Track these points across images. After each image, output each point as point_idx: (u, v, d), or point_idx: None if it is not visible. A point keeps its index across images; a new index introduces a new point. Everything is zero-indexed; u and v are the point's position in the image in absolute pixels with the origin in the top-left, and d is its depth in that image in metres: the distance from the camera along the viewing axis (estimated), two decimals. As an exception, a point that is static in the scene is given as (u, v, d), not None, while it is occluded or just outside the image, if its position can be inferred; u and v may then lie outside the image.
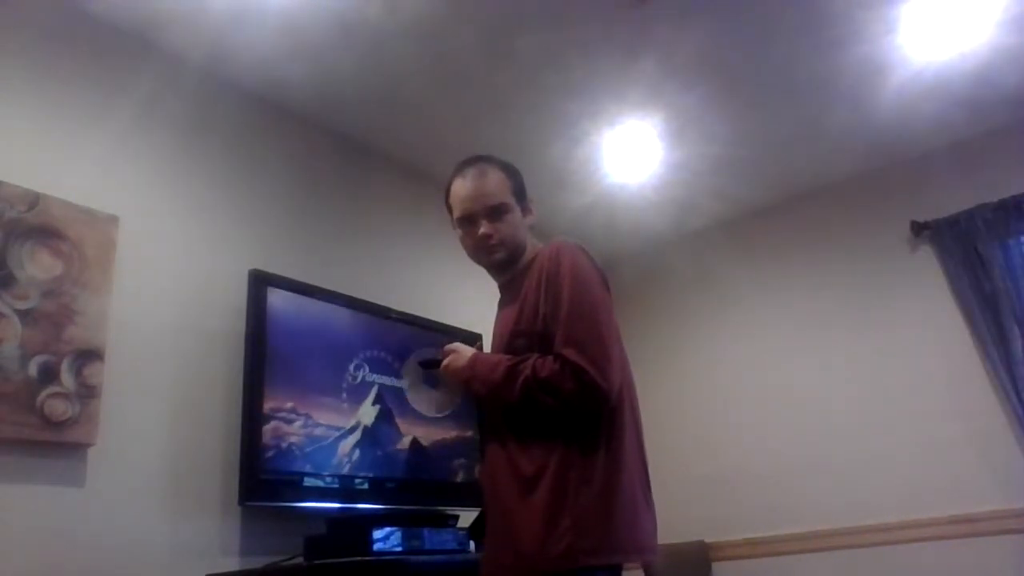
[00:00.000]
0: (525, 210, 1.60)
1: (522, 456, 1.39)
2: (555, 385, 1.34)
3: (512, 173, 1.60)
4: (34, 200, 1.88)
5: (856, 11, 2.47)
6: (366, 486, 2.28)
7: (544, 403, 1.35)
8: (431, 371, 1.56)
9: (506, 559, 1.36)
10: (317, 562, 1.87)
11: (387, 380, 2.46)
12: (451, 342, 1.58)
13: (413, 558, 1.85)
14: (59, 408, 1.79)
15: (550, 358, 1.36)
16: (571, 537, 1.28)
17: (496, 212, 1.53)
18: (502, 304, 1.61)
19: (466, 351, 1.52)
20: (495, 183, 1.55)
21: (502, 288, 1.63)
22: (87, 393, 1.85)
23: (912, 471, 3.10)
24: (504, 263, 1.57)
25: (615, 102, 2.86)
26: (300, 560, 1.97)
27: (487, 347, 1.62)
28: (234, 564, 2.07)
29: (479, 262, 1.60)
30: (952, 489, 3.00)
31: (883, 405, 3.24)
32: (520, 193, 1.59)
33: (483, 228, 1.53)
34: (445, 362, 1.53)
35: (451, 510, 2.29)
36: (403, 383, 2.51)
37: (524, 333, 1.45)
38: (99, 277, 1.96)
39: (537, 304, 1.44)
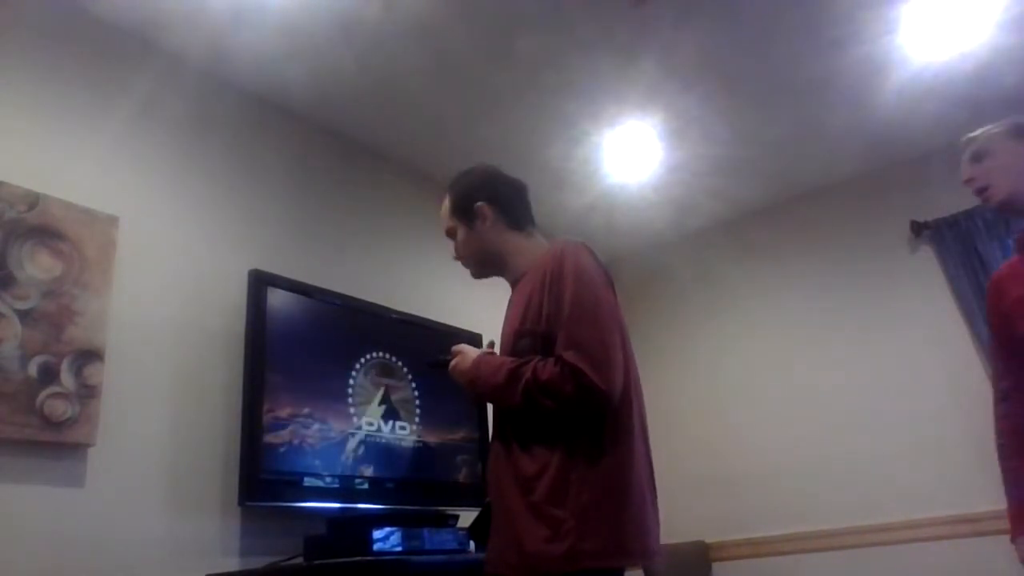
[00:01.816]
0: (475, 218, 1.62)
1: (524, 456, 1.39)
2: (555, 388, 1.33)
3: (454, 191, 1.68)
4: (34, 200, 1.88)
5: (856, 11, 2.47)
6: (366, 486, 2.28)
7: (545, 406, 1.35)
8: (440, 372, 1.57)
9: (510, 558, 1.36)
10: (317, 562, 1.87)
11: (387, 381, 2.46)
12: (453, 343, 1.59)
13: (413, 558, 1.85)
14: (59, 408, 1.79)
15: (551, 360, 1.36)
16: (573, 539, 1.28)
17: (449, 236, 1.69)
18: (510, 304, 1.62)
19: (471, 353, 1.53)
20: (444, 210, 1.69)
21: (512, 288, 1.64)
22: (87, 393, 1.85)
23: (912, 471, 3.10)
24: (479, 274, 1.68)
25: (615, 102, 2.86)
26: (300, 560, 1.97)
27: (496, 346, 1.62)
28: (234, 564, 2.07)
29: None
30: (952, 489, 3.00)
31: (883, 405, 3.24)
32: (461, 209, 1.65)
33: (451, 250, 1.70)
34: (453, 363, 1.54)
35: (451, 510, 2.29)
36: (403, 383, 2.51)
37: (528, 333, 1.44)
38: (99, 277, 1.96)
39: (541, 304, 1.43)
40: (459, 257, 1.67)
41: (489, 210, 1.61)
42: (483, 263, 1.64)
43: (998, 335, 1.67)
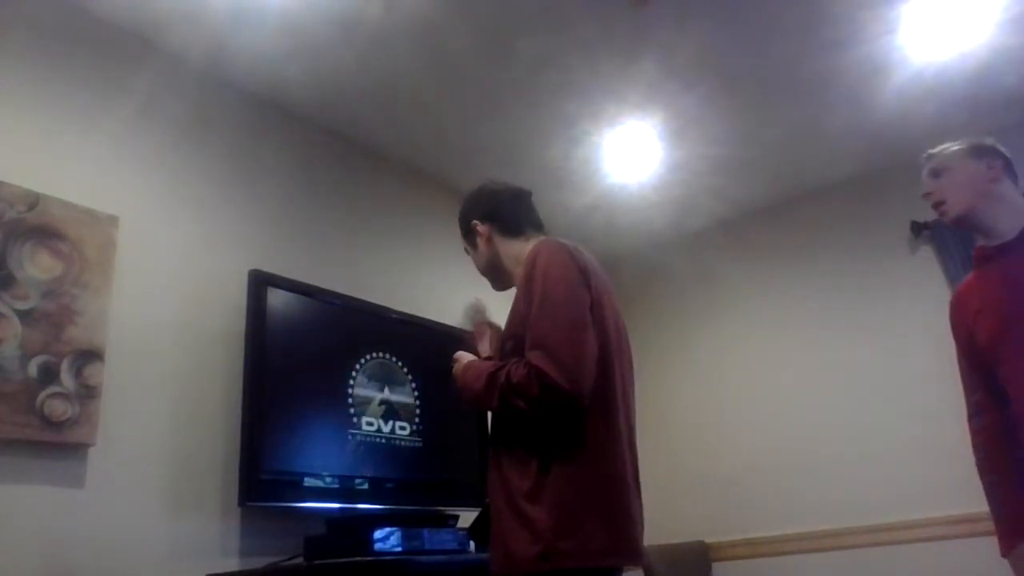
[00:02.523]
0: (475, 237, 1.68)
1: (507, 458, 1.41)
2: (524, 391, 1.33)
3: (458, 216, 1.74)
4: (34, 200, 1.88)
5: (856, 11, 2.47)
6: (366, 486, 2.28)
7: (518, 407, 1.36)
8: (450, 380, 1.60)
9: (499, 557, 1.38)
10: (317, 562, 1.87)
11: (387, 381, 2.46)
12: (453, 343, 1.61)
13: (414, 558, 1.85)
14: (59, 408, 1.79)
15: (523, 362, 1.36)
16: (549, 538, 1.28)
17: (470, 256, 1.75)
18: None
19: (463, 359, 1.56)
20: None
21: None
22: (87, 393, 1.85)
23: (912, 471, 3.10)
24: (497, 287, 1.72)
25: (615, 102, 2.86)
26: (300, 560, 1.97)
27: None
28: (234, 564, 2.07)
29: None
30: (952, 489, 2.99)
31: (883, 405, 3.24)
32: (463, 231, 1.73)
33: None
34: (453, 370, 1.57)
35: (451, 510, 2.29)
36: (403, 383, 2.51)
37: (512, 336, 1.45)
38: (99, 277, 1.96)
39: (520, 307, 1.45)
40: (482, 275, 1.73)
41: (483, 226, 1.66)
42: (493, 277, 1.70)
43: (964, 350, 1.71)
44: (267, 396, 2.09)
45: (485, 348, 1.66)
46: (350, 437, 2.28)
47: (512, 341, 1.45)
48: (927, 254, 3.30)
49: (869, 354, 3.34)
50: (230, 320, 2.25)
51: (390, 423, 2.42)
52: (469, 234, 1.70)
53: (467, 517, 2.02)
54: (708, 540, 3.52)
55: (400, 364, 2.52)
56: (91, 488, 1.86)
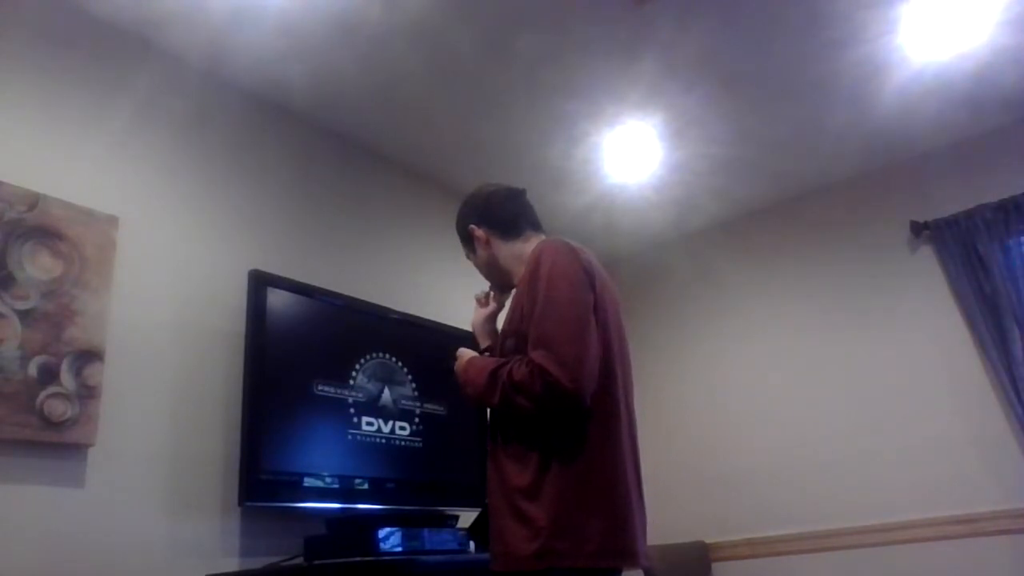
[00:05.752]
0: (473, 242, 1.67)
1: (506, 455, 1.41)
2: (526, 389, 1.34)
3: (456, 225, 1.73)
4: (34, 200, 1.88)
5: (856, 11, 2.47)
6: (366, 486, 2.28)
7: (520, 406, 1.36)
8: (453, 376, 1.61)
9: (496, 552, 1.39)
10: (317, 562, 1.87)
11: (387, 381, 2.46)
12: (453, 343, 1.61)
13: (414, 558, 1.85)
14: (59, 408, 1.79)
15: (525, 360, 1.36)
16: (544, 538, 1.29)
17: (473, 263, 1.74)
18: None
19: (465, 355, 1.57)
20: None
21: None
22: (87, 393, 1.86)
23: (912, 471, 3.10)
24: (502, 289, 1.72)
25: (615, 102, 2.86)
26: (300, 560, 1.97)
27: None
28: (234, 564, 2.08)
29: None
30: (952, 489, 3.00)
31: (883, 405, 3.24)
32: (462, 238, 1.72)
33: None
34: (455, 366, 1.57)
35: (451, 510, 2.29)
36: (403, 383, 2.51)
37: (513, 334, 1.46)
38: (99, 277, 1.96)
39: (522, 305, 1.45)
40: (485, 279, 1.72)
41: (481, 230, 1.66)
42: (496, 280, 1.70)
43: None
44: (267, 396, 2.09)
45: (480, 318, 1.71)
46: (350, 437, 2.28)
47: (513, 339, 1.45)
48: (927, 254, 3.30)
49: (869, 354, 3.34)
50: (230, 320, 2.25)
51: (390, 423, 2.42)
52: (468, 239, 1.69)
53: (467, 517, 2.02)
54: (708, 540, 3.52)
55: (400, 364, 2.52)
56: (91, 488, 1.86)
